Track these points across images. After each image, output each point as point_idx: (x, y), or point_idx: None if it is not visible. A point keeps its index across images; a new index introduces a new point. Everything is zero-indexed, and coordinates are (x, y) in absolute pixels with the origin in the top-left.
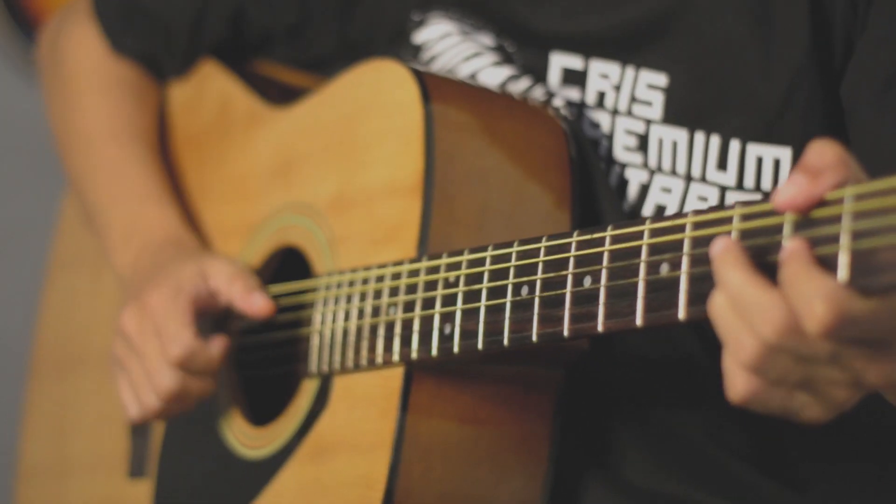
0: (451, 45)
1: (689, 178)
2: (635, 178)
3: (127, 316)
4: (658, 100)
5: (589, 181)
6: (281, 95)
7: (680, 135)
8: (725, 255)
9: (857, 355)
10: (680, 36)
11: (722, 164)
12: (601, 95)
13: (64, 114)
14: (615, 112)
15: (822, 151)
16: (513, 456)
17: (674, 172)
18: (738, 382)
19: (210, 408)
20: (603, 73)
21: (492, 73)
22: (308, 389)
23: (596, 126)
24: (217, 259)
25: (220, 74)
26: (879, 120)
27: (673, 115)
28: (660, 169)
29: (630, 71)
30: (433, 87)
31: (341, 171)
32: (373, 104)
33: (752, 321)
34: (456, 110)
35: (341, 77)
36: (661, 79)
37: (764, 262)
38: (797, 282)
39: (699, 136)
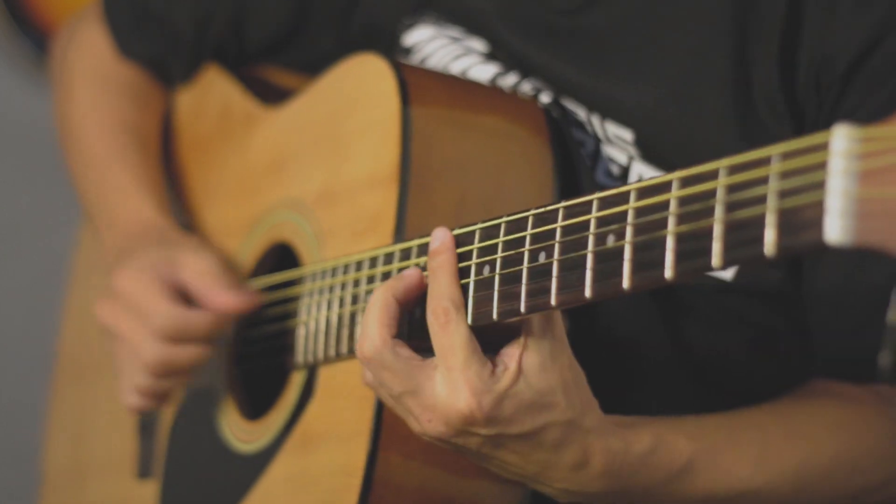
0: (440, 46)
1: None
2: None
3: (100, 307)
4: (631, 149)
5: (574, 176)
6: (279, 98)
7: (659, 174)
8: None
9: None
10: (645, 87)
11: None
12: (580, 124)
13: (63, 111)
14: (597, 139)
15: None
16: None
17: None
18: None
19: (209, 404)
20: (573, 109)
21: (481, 70)
22: (296, 382)
23: (581, 144)
24: (190, 253)
25: (221, 80)
26: None
27: (650, 159)
28: None
29: (595, 119)
30: (411, 79)
31: (328, 165)
32: (356, 98)
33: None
34: (434, 101)
35: (329, 73)
36: (628, 134)
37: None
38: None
39: None
